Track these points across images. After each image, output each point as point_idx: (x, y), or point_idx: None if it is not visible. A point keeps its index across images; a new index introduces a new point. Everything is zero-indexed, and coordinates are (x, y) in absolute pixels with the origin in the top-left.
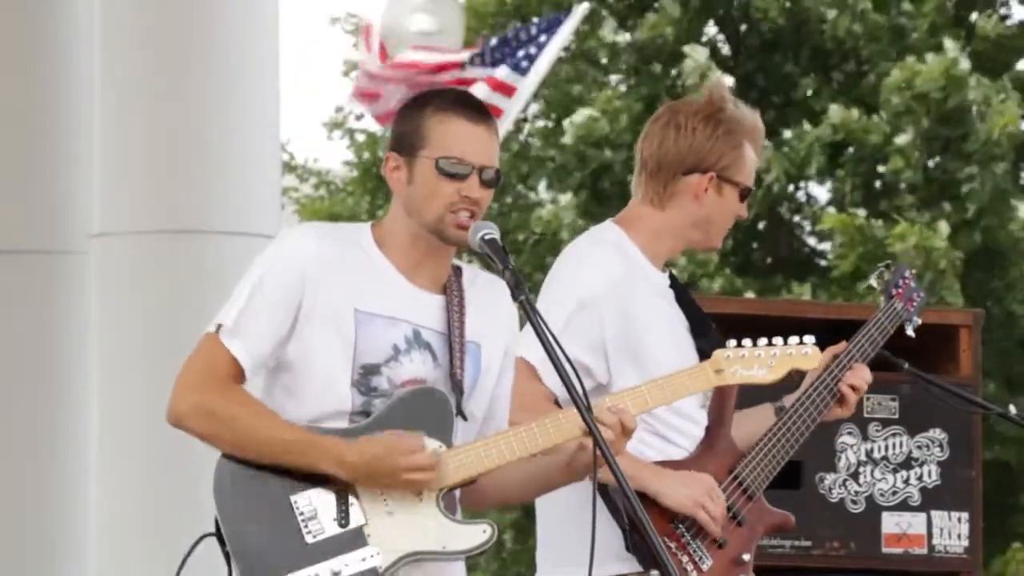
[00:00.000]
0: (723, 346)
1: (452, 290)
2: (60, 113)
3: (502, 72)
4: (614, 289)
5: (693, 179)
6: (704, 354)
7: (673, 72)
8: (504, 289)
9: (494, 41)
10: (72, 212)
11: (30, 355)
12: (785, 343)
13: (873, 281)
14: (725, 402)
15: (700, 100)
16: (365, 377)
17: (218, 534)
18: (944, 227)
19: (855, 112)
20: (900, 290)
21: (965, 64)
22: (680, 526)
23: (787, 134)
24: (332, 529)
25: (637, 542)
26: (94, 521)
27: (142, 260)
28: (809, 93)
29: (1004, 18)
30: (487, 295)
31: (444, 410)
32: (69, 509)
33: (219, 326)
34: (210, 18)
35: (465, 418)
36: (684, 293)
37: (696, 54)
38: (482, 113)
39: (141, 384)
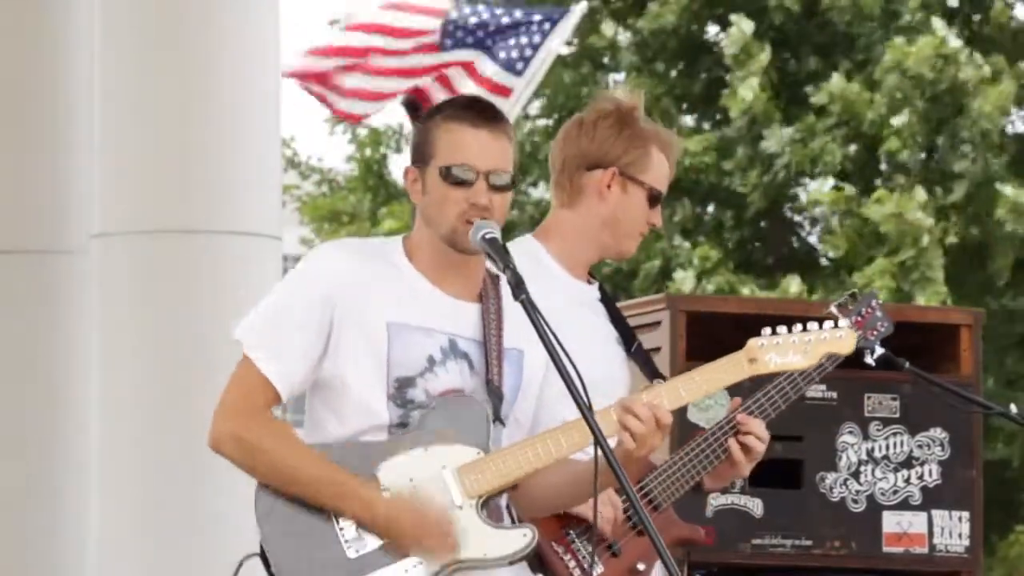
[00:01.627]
0: (648, 358)
1: (488, 298)
2: (60, 113)
3: (491, 69)
4: None
5: (596, 174)
6: (648, 370)
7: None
8: (543, 292)
9: (469, 17)
10: (72, 212)
11: (30, 355)
12: (820, 327)
13: (833, 308)
14: None
15: (609, 103)
16: (400, 390)
17: (262, 554)
18: (921, 193)
19: (855, 86)
20: (861, 319)
21: (955, 43)
22: (571, 532)
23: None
24: (374, 543)
25: None
26: (94, 521)
27: (142, 260)
28: (812, 86)
29: (1010, 19)
30: None
31: (480, 417)
32: (69, 510)
33: (251, 350)
34: (210, 17)
35: (504, 424)
36: (614, 307)
37: (742, 24)
38: (490, 117)
39: (141, 384)
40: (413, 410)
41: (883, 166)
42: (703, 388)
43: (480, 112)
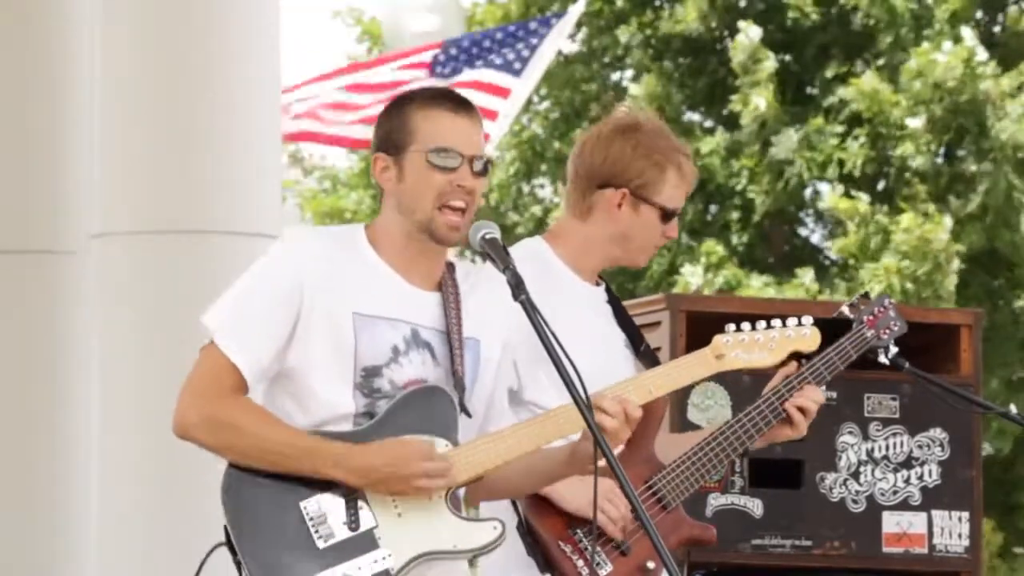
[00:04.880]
0: (655, 359)
1: (447, 287)
2: (60, 113)
3: (488, 75)
4: None
5: (607, 193)
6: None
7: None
8: (501, 280)
9: (461, 43)
10: (72, 212)
11: (30, 355)
12: (784, 325)
13: (844, 308)
14: (651, 416)
15: (626, 117)
16: (367, 380)
17: (228, 542)
18: (948, 222)
19: (884, 85)
20: (873, 318)
21: (983, 55)
22: (578, 531)
23: (810, 127)
24: (343, 533)
25: (531, 545)
26: (95, 521)
27: (142, 260)
28: (829, 76)
29: None
30: (483, 289)
31: (448, 408)
32: (69, 509)
33: (218, 335)
34: (210, 16)
35: (469, 415)
36: (621, 308)
37: (749, 31)
38: (466, 105)
39: (141, 384)
40: (379, 399)
41: (897, 170)
42: (671, 383)
43: (459, 101)
